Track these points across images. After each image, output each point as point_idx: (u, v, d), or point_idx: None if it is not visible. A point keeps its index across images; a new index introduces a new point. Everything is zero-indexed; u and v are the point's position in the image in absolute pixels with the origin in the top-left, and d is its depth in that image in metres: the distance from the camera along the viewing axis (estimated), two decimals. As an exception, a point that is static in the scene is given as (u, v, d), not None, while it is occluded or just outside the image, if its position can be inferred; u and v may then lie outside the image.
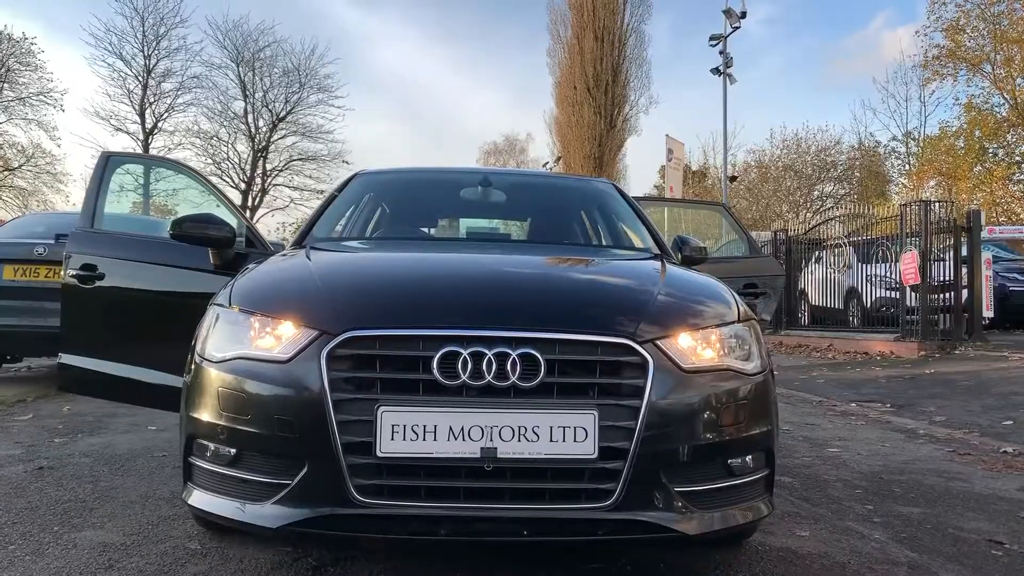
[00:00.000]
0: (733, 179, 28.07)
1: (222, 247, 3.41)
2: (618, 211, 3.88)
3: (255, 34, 35.11)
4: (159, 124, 33.90)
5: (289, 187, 34.92)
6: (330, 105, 35.42)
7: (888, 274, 11.57)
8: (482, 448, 2.08)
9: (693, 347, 2.33)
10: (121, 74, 33.70)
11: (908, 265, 10.58)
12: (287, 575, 2.44)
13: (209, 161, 33.97)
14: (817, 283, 13.82)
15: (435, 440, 2.08)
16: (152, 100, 33.77)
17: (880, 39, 55.85)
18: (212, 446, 2.29)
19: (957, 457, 4.85)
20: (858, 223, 13.21)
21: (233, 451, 2.24)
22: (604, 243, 3.82)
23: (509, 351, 2.13)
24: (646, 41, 38.61)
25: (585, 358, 2.18)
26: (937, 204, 10.82)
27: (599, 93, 38.43)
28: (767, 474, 2.46)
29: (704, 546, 2.81)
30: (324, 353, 2.14)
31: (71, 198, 34.27)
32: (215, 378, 2.29)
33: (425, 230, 3.98)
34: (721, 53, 20.91)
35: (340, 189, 4.01)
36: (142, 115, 33.61)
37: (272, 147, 35.30)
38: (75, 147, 42.60)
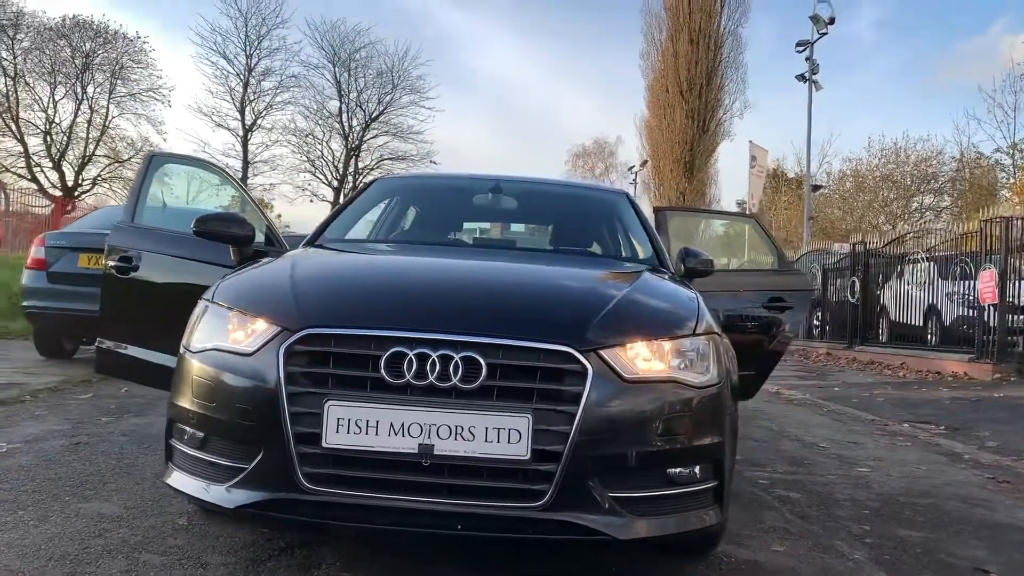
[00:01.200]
0: (816, 188, 27.31)
1: (241, 244, 3.61)
2: (625, 221, 3.93)
3: (351, 35, 36.11)
4: (258, 121, 35.30)
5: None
6: (421, 106, 36.19)
7: (968, 292, 11.14)
8: (420, 444, 2.19)
9: (638, 357, 2.38)
10: (224, 72, 35.28)
11: (986, 283, 10.16)
12: (256, 553, 2.60)
13: (304, 159, 35.15)
14: (897, 299, 13.38)
15: (376, 435, 2.20)
16: (252, 98, 35.23)
17: (998, 45, 53.23)
18: (187, 430, 2.47)
19: (992, 484, 4.70)
20: (938, 238, 12.73)
21: (202, 435, 2.42)
22: (602, 252, 3.88)
23: (452, 354, 2.24)
24: (743, 44, 37.95)
25: (526, 364, 2.26)
26: (1021, 221, 10.35)
27: (692, 97, 37.99)
28: (715, 485, 2.49)
29: (675, 554, 2.84)
30: (282, 348, 2.29)
31: (174, 190, 35.87)
32: (192, 367, 2.48)
33: (433, 234, 4.12)
34: (807, 60, 20.42)
35: (360, 192, 4.18)
36: (242, 112, 35.10)
37: (364, 146, 36.28)
38: (180, 141, 44.81)
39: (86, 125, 35.44)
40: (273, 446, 2.25)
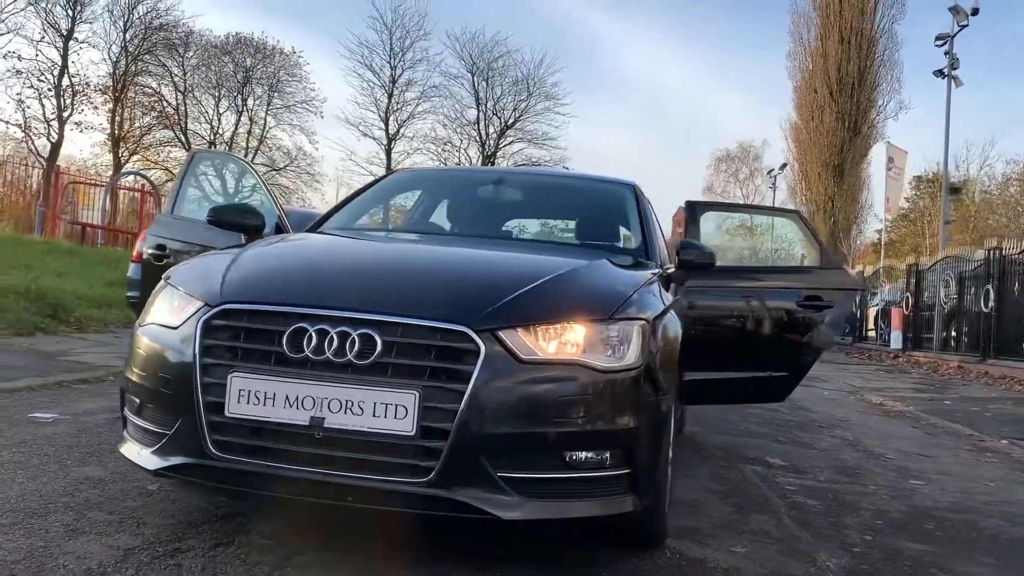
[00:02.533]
0: (955, 191, 25.44)
1: (252, 233, 3.81)
2: (623, 212, 3.86)
3: (490, 45, 36.81)
4: (400, 130, 36.63)
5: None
6: (556, 112, 36.42)
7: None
8: (311, 417, 2.26)
9: (542, 339, 2.36)
10: (370, 84, 36.75)
11: None
12: (195, 518, 2.74)
13: (442, 166, 36.09)
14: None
15: (272, 406, 2.28)
16: (396, 108, 36.56)
17: None
18: (130, 398, 2.66)
19: (1062, 506, 4.29)
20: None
21: (138, 403, 2.59)
22: (585, 241, 3.87)
23: (350, 331, 2.29)
24: (898, 42, 35.99)
25: (420, 342, 2.29)
26: None
27: (842, 98, 36.41)
28: (628, 472, 2.43)
29: (617, 544, 2.78)
30: (200, 322, 2.42)
31: (326, 196, 37.73)
32: (137, 340, 2.66)
33: (436, 223, 4.20)
34: (946, 54, 19.07)
35: (376, 182, 4.32)
36: (386, 122, 36.49)
37: (500, 153, 36.89)
38: (329, 151, 47.17)
39: (246, 135, 37.90)
40: (187, 414, 2.37)
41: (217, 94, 37.49)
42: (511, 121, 36.58)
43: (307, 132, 37.81)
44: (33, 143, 31.67)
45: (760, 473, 4.46)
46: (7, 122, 31.15)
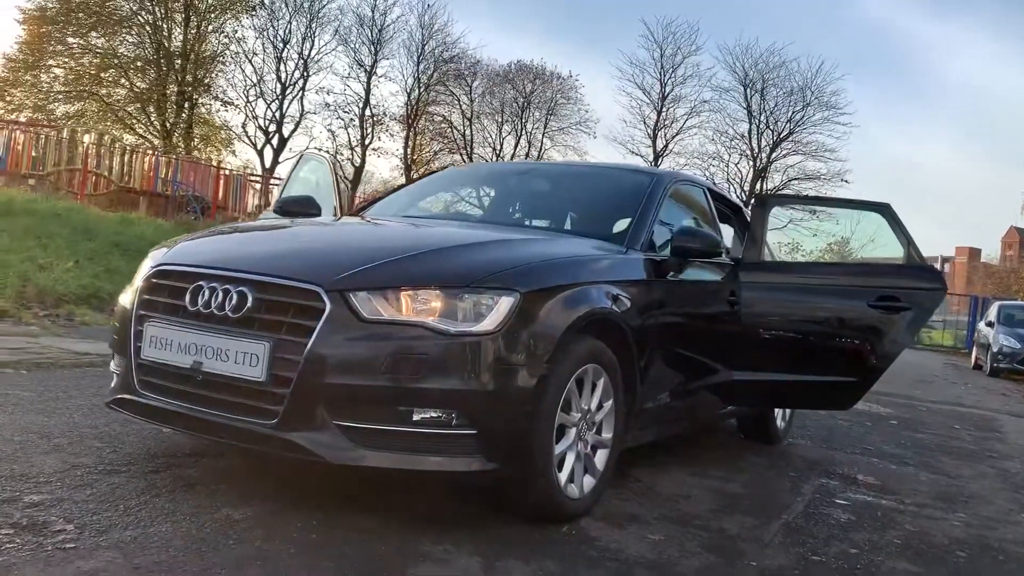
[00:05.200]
0: None
1: None
2: (630, 202, 3.78)
3: (765, 56, 35.61)
4: (668, 147, 36.56)
5: (789, 206, 34.58)
6: (835, 123, 34.27)
7: None
8: (193, 361, 2.62)
9: (391, 301, 2.52)
10: (638, 102, 37.12)
11: None
12: (160, 464, 3.15)
13: (711, 181, 35.44)
14: None
15: (169, 351, 2.68)
16: (664, 124, 36.56)
17: None
18: (111, 349, 3.17)
19: None
20: None
21: (112, 351, 3.09)
22: (575, 228, 3.90)
23: (231, 288, 2.62)
24: None
25: (281, 299, 2.56)
26: None
27: None
28: (475, 434, 2.50)
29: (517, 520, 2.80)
30: (141, 278, 2.89)
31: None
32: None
33: (463, 211, 4.40)
34: None
35: (426, 175, 4.62)
36: (653, 139, 36.60)
37: (773, 167, 35.48)
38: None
39: (523, 157, 39.88)
40: (126, 357, 2.84)
41: (500, 119, 39.91)
42: (785, 133, 35.05)
43: (579, 152, 39.01)
44: (341, 168, 35.82)
45: (825, 486, 4.12)
46: (319, 149, 35.64)
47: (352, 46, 34.61)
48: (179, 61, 30.00)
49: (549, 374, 2.69)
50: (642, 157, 36.39)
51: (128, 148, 18.98)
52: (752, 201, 4.41)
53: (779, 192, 32.02)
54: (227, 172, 20.76)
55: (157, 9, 29.54)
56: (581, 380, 2.92)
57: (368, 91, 35.39)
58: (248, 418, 2.54)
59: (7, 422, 3.39)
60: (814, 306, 4.20)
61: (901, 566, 2.94)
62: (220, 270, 2.72)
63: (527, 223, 4.03)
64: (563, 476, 2.83)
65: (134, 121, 30.32)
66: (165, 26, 29.87)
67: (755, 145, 35.60)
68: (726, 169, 35.81)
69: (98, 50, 29.17)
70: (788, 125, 35.03)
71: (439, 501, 2.96)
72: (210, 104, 31.92)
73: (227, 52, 31.79)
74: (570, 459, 2.88)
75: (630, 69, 39.45)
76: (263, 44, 32.37)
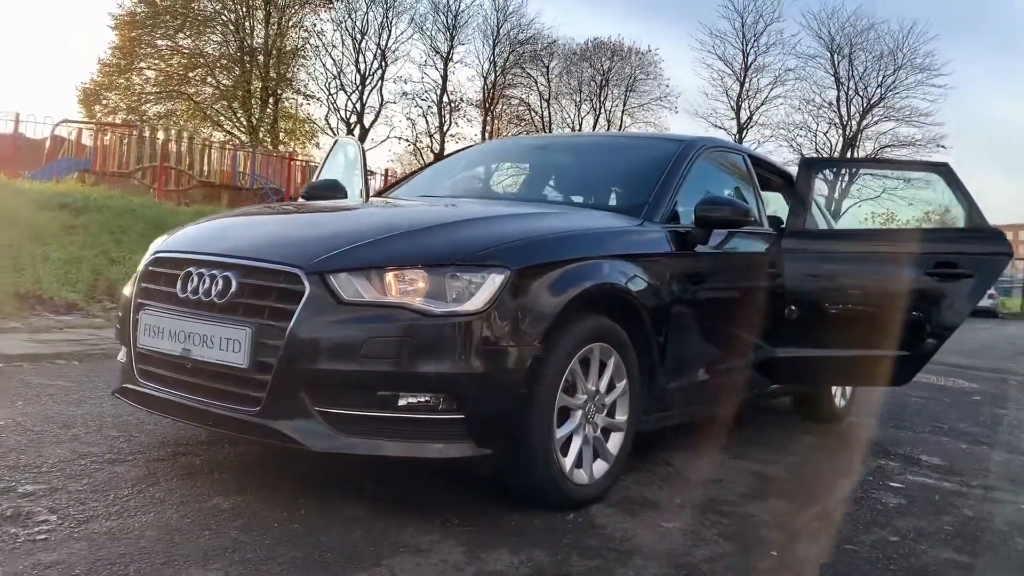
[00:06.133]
0: None
1: None
2: (652, 171, 3.57)
3: (852, 19, 34.14)
4: (752, 118, 35.50)
5: (881, 176, 33.19)
6: (930, 85, 32.61)
7: None
8: (182, 348, 2.58)
9: (372, 284, 2.41)
10: (720, 73, 36.16)
11: None
12: (169, 453, 3.15)
13: (795, 153, 34.28)
14: None
15: (161, 339, 2.64)
16: (747, 96, 35.52)
17: None
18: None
19: None
20: None
21: (118, 340, 3.09)
22: (596, 202, 3.75)
23: (217, 273, 2.57)
24: None
25: (264, 283, 2.49)
26: None
27: None
28: (462, 418, 2.38)
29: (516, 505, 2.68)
30: (142, 265, 2.87)
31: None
32: None
33: (481, 186, 4.27)
34: None
35: (461, 150, 4.51)
36: (737, 111, 35.63)
37: (864, 134, 34.04)
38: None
39: (603, 135, 39.43)
40: (127, 345, 2.83)
41: (578, 98, 39.49)
42: (875, 99, 33.55)
43: (659, 128, 38.29)
44: (421, 155, 36.12)
45: (881, 468, 3.85)
46: (400, 138, 36.02)
47: (428, 33, 34.78)
48: (261, 57, 30.69)
49: (546, 355, 2.54)
50: (725, 130, 35.51)
51: (205, 143, 19.50)
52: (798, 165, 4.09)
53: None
54: (301, 163, 21.09)
55: (239, 7, 30.27)
56: (588, 360, 2.77)
57: (445, 78, 35.54)
58: (233, 405, 2.48)
59: (35, 412, 3.45)
60: (863, 275, 3.92)
61: (945, 555, 2.69)
62: (208, 255, 2.67)
63: (548, 198, 3.87)
64: (568, 461, 2.69)
65: (221, 118, 31.21)
66: (247, 23, 30.60)
67: (844, 112, 34.28)
68: (814, 139, 34.60)
69: (185, 50, 30.11)
70: (879, 90, 33.61)
71: (441, 487, 2.85)
72: (294, 98, 32.61)
73: (307, 46, 32.41)
74: (576, 443, 2.73)
75: (710, 40, 38.51)
76: (341, 36, 32.85)
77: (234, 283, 2.52)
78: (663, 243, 3.19)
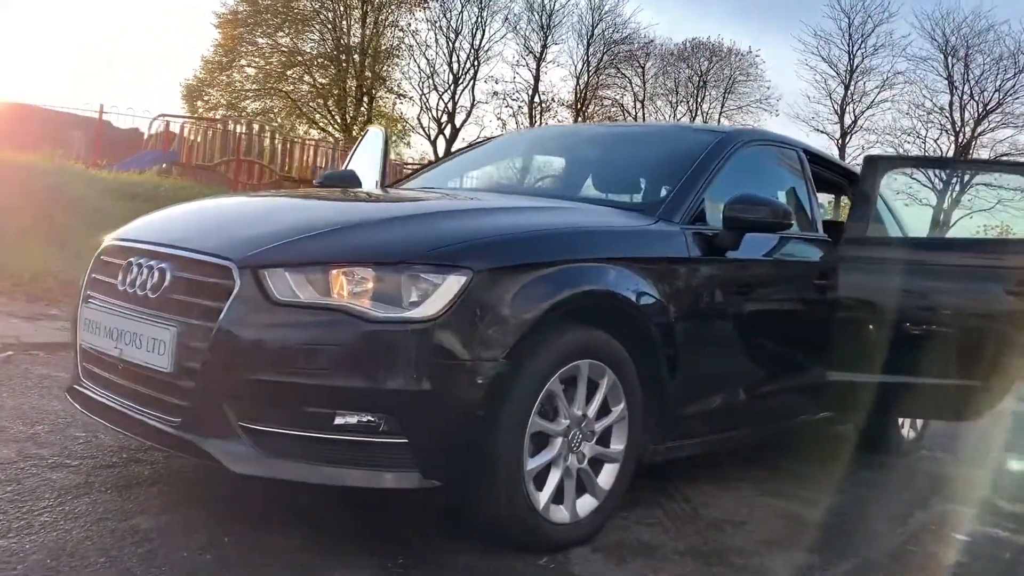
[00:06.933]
0: None
1: None
2: (681, 165, 3.13)
3: (970, 20, 32.11)
4: (857, 122, 33.86)
5: (996, 186, 31.08)
6: (1061, 89, 30.34)
7: None
8: (115, 347, 2.31)
9: (309, 282, 2.08)
10: (823, 76, 34.62)
11: None
12: (116, 458, 2.89)
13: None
14: None
15: (98, 336, 2.39)
16: (852, 99, 33.89)
17: None
18: None
19: None
20: None
21: None
22: (607, 197, 3.37)
23: (153, 264, 2.29)
24: None
25: (196, 277, 2.20)
26: None
27: None
28: (406, 443, 2.03)
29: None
30: (96, 255, 2.62)
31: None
32: None
33: (507, 180, 3.92)
34: None
35: (487, 139, 4.19)
36: (841, 114, 34.02)
37: (978, 142, 31.97)
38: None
39: (699, 139, 38.38)
40: (75, 342, 2.60)
41: (674, 100, 38.57)
42: (993, 104, 31.42)
43: (764, 132, 37.05)
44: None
45: (945, 515, 3.33)
46: (490, 138, 35.88)
47: (522, 33, 34.49)
48: (357, 56, 31.05)
49: (514, 371, 2.17)
50: (827, 135, 33.97)
51: (283, 138, 19.72)
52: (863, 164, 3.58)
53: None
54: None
55: (337, 6, 30.69)
56: (574, 378, 2.38)
57: (537, 78, 35.19)
58: (157, 414, 2.20)
59: (12, 405, 3.26)
60: (931, 291, 3.39)
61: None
62: (150, 245, 2.40)
63: (560, 192, 3.48)
64: (543, 496, 2.30)
65: (317, 116, 31.69)
66: (344, 22, 31.00)
67: (957, 118, 32.23)
68: (923, 145, 32.62)
69: (284, 48, 30.70)
70: (996, 95, 31.45)
71: (399, 512, 2.50)
72: (388, 97, 32.83)
73: (402, 45, 32.60)
74: (555, 476, 2.34)
75: (814, 41, 36.91)
76: (435, 36, 32.87)
77: (168, 276, 2.24)
78: (679, 246, 2.76)
